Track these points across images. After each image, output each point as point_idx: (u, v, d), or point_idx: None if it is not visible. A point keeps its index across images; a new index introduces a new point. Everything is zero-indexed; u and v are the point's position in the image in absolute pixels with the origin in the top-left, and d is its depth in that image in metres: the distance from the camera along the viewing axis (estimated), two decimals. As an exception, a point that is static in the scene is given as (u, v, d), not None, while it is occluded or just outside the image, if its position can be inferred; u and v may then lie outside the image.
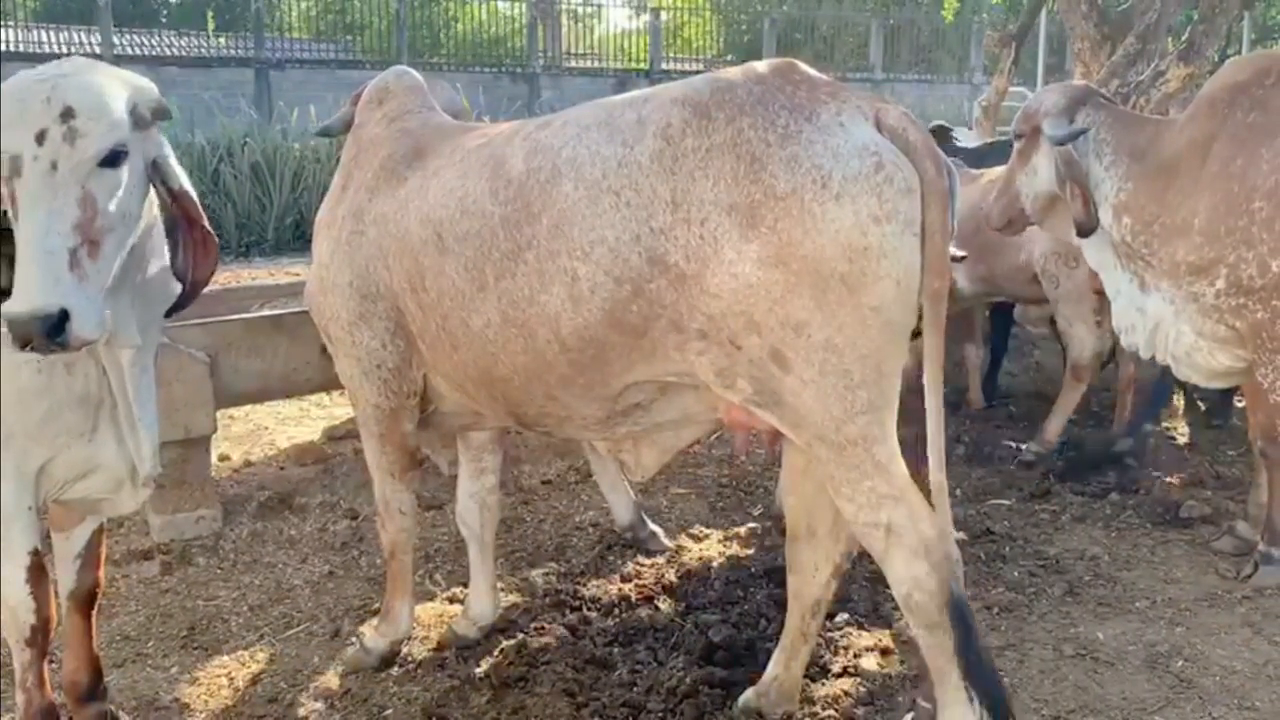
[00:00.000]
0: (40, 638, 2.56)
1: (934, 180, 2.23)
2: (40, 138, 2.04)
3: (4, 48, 19.28)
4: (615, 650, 3.24)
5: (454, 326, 2.59)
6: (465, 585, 3.67)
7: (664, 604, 3.59)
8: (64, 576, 2.72)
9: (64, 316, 1.99)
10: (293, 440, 5.45)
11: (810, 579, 2.72)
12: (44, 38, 21.26)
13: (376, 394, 2.91)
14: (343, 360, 2.96)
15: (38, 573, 2.52)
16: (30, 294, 1.97)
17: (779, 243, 2.16)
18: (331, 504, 4.50)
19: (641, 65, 24.19)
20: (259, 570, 3.94)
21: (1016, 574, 3.81)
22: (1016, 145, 4.11)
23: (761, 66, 2.40)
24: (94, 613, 2.80)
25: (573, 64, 24.62)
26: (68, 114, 2.06)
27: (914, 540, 2.26)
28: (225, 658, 3.28)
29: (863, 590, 3.57)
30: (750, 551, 4.03)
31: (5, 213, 2.12)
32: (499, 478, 3.31)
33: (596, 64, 25.13)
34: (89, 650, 2.80)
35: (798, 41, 25.17)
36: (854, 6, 27.04)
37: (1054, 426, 5.00)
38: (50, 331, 1.97)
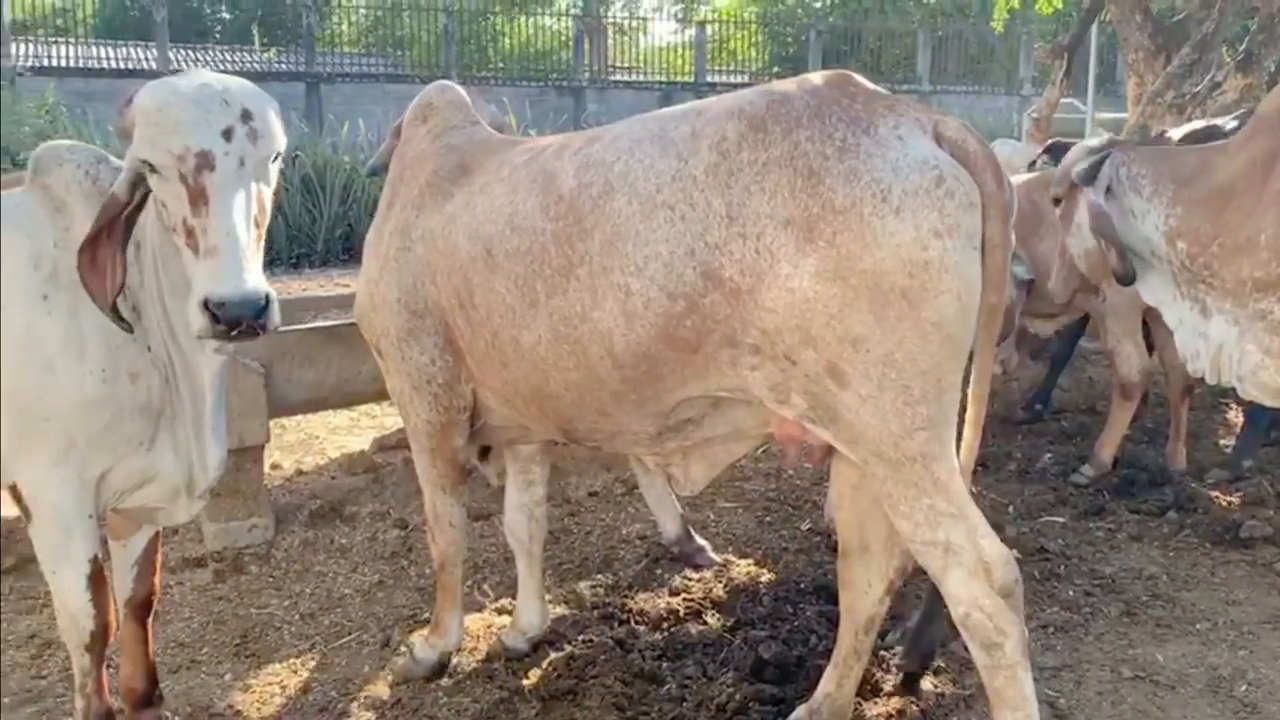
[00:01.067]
0: (99, 644, 2.60)
1: (995, 194, 2.20)
2: (228, 135, 2.11)
3: (65, 63, 19.76)
4: (664, 664, 3.22)
5: (504, 343, 2.59)
6: (513, 596, 3.67)
7: (712, 619, 3.57)
8: (121, 584, 2.76)
9: (267, 302, 2.05)
10: (343, 450, 5.50)
11: (863, 595, 2.69)
12: (103, 53, 21.76)
13: (427, 409, 2.92)
14: (393, 375, 2.98)
15: (97, 580, 2.56)
16: (239, 279, 2.02)
17: (837, 257, 2.14)
18: (381, 513, 4.53)
19: (686, 78, 24.25)
20: (310, 579, 3.98)
21: (1071, 593, 3.74)
22: (1059, 211, 4.13)
23: (817, 78, 2.38)
24: (150, 620, 2.84)
25: (617, 77, 24.74)
26: (246, 115, 2.14)
27: (972, 559, 2.22)
28: (277, 665, 3.31)
29: (915, 608, 3.52)
30: (799, 567, 3.99)
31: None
32: (546, 489, 3.31)
33: (641, 77, 25.22)
34: (145, 657, 2.84)
35: (844, 53, 25.09)
36: (901, 18, 26.91)
37: (1107, 447, 4.91)
38: (258, 315, 2.03)
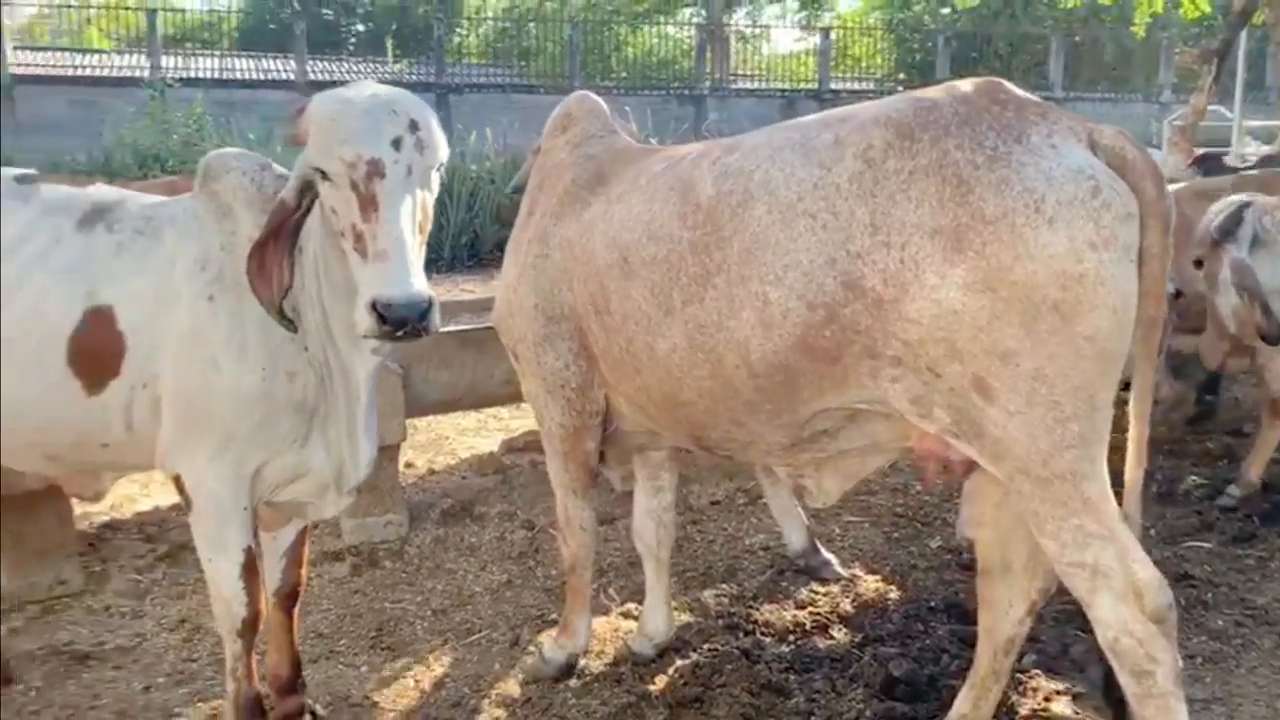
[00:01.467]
0: (250, 631, 2.71)
1: (1154, 202, 2.13)
2: (397, 144, 2.20)
3: (208, 74, 20.74)
4: (791, 677, 3.20)
5: (638, 350, 2.61)
6: (638, 601, 3.70)
7: (840, 633, 3.52)
8: (270, 574, 2.87)
9: (430, 304, 2.12)
10: (472, 450, 5.62)
11: (1003, 616, 2.61)
12: (241, 65, 22.76)
13: (561, 413, 2.96)
14: (529, 380, 3.03)
15: (250, 569, 2.67)
16: (407, 282, 2.10)
17: (987, 268, 2.09)
18: (509, 514, 4.61)
19: (809, 85, 24.05)
20: (441, 575, 4.07)
21: (1220, 623, 3.57)
22: (1203, 274, 3.98)
23: (966, 85, 2.33)
24: (296, 610, 2.95)
25: (739, 85, 24.69)
26: (413, 126, 2.23)
27: (1122, 583, 2.14)
28: (411, 659, 3.40)
29: (1052, 630, 3.42)
30: (928, 584, 3.91)
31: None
32: (675, 496, 3.32)
33: (763, 84, 25.12)
34: (291, 645, 2.95)
35: (972, 59, 24.53)
36: (1033, 22, 26.17)
37: (1255, 466, 4.67)
38: (422, 317, 2.11)
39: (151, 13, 20.28)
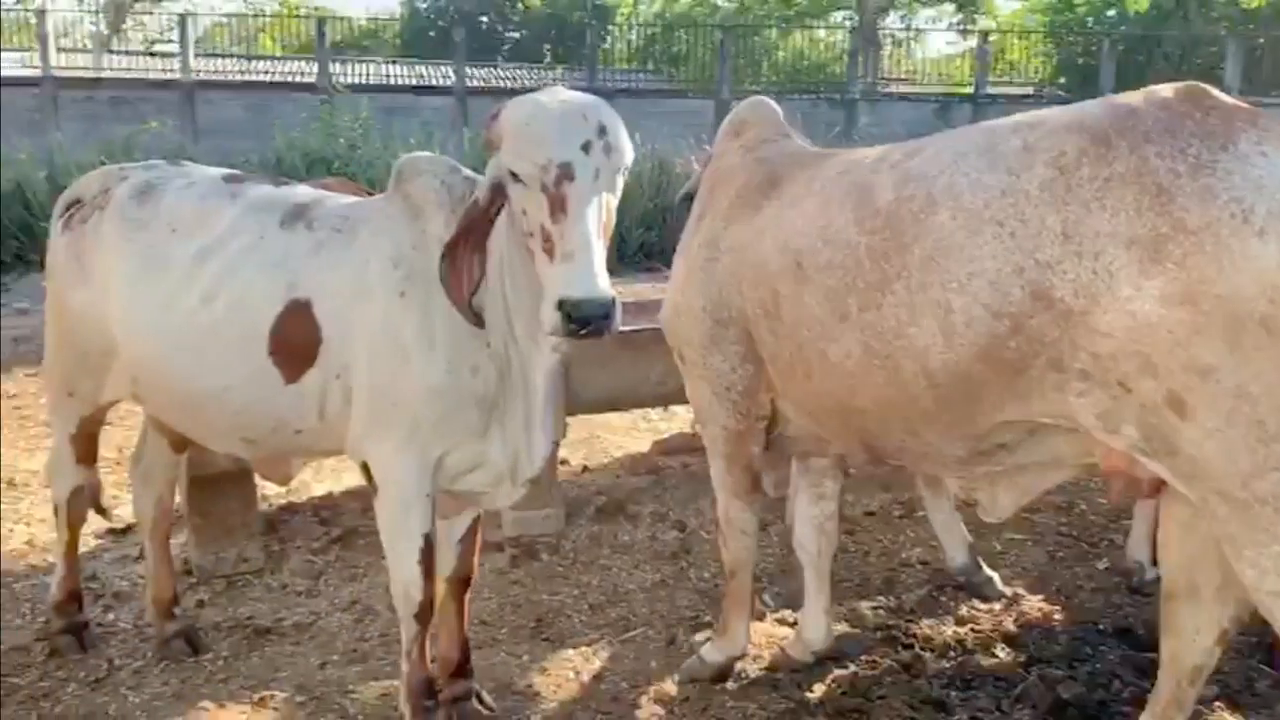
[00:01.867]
0: (426, 614, 2.82)
1: None
2: (586, 148, 2.25)
3: (370, 80, 21.58)
4: (953, 694, 3.14)
5: (810, 355, 2.60)
6: (792, 607, 3.69)
7: (1003, 653, 3.43)
8: (444, 560, 2.97)
9: (613, 304, 2.19)
10: (624, 449, 5.70)
11: (1189, 643, 2.50)
12: (400, 71, 23.61)
13: (726, 416, 2.98)
14: (695, 382, 3.06)
15: (428, 555, 2.78)
16: (593, 282, 2.16)
17: (1187, 280, 2.01)
18: (662, 514, 4.65)
19: (964, 89, 23.45)
20: (596, 571, 4.15)
21: None
22: None
23: (1166, 91, 2.25)
24: (467, 596, 3.06)
25: (891, 89, 24.26)
26: (601, 130, 2.28)
27: (1329, 615, 2.03)
28: (570, 652, 3.47)
29: (1235, 662, 3.25)
30: (1096, 607, 3.78)
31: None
32: (838, 504, 3.30)
33: (915, 88, 24.61)
34: (461, 631, 3.06)
35: (1139, 63, 23.46)
36: (1207, 23, 24.87)
37: None
38: (606, 316, 2.17)
39: (321, 21, 21.25)
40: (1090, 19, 27.16)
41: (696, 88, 21.45)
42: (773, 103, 3.24)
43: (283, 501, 4.58)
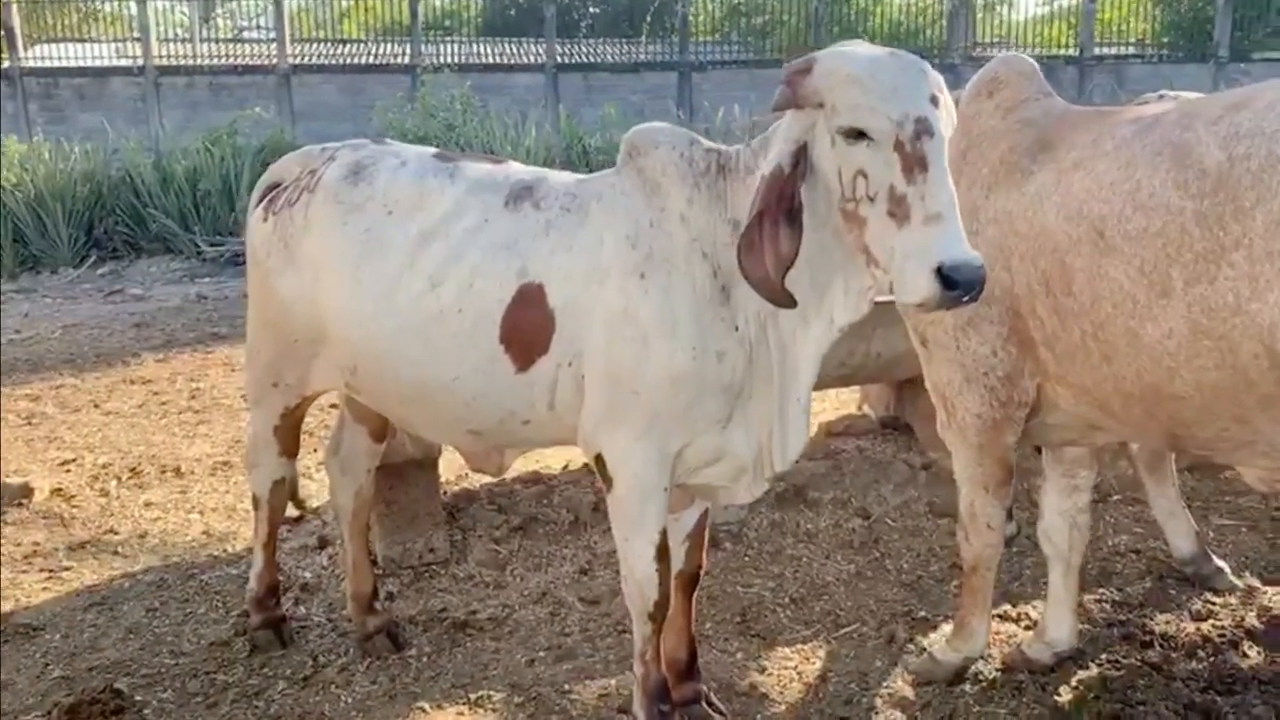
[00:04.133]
0: (661, 613, 2.66)
1: None
2: (934, 102, 2.09)
3: (457, 60, 21.51)
4: (1217, 699, 2.89)
5: (1113, 335, 2.36)
6: (1011, 604, 3.49)
7: (1253, 651, 3.17)
8: (673, 556, 2.81)
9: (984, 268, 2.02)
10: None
11: None
12: (485, 50, 23.48)
13: (979, 403, 2.75)
14: (940, 366, 2.83)
15: (664, 551, 2.62)
16: (966, 244, 2.00)
17: None
18: (843, 501, 4.44)
19: (1069, 50, 22.65)
20: (785, 562, 3.96)
21: None
22: None
23: None
24: (695, 594, 2.89)
25: (988, 54, 23.49)
26: (939, 87, 2.11)
27: None
28: (786, 650, 3.30)
29: None
30: (1340, 600, 3.49)
31: None
32: (1091, 496, 3.06)
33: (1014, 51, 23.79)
34: (688, 630, 2.89)
35: (1252, 19, 22.35)
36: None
37: None
38: (984, 281, 2.01)
39: (415, 1, 21.21)
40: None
41: (788, 56, 21.00)
42: (1030, 59, 2.98)
43: (457, 489, 4.48)
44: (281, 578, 3.85)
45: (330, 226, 2.79)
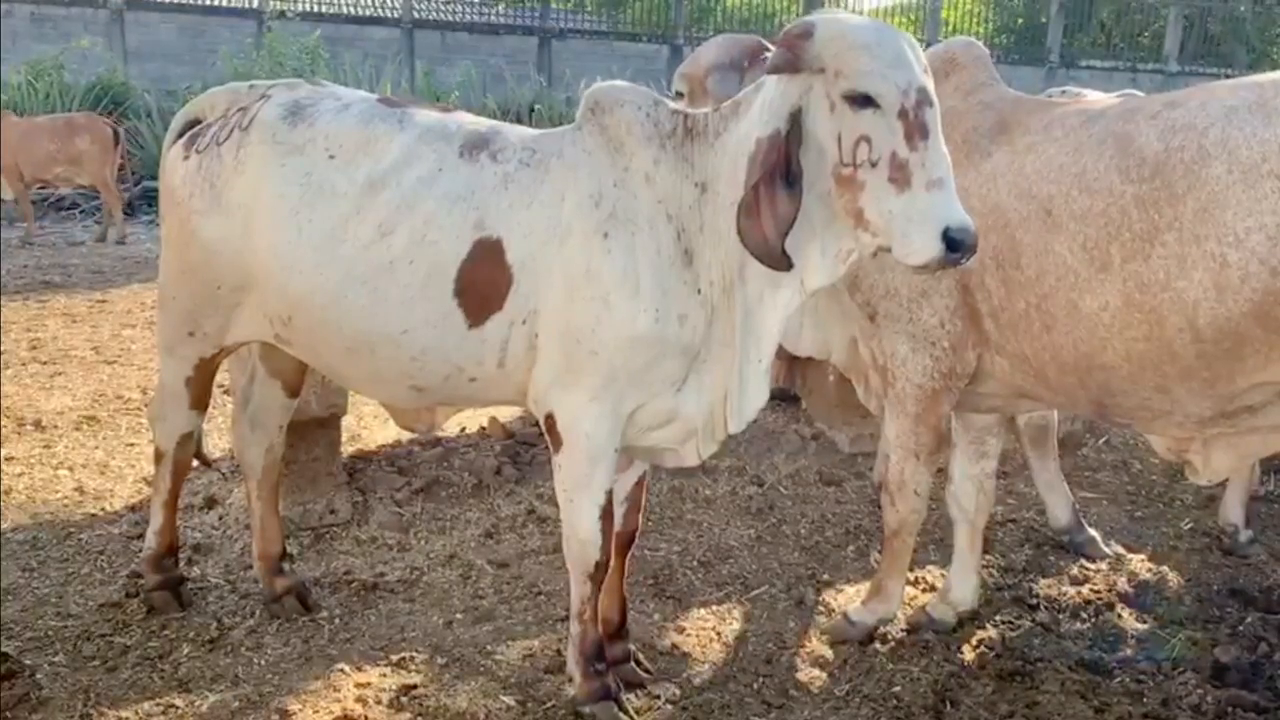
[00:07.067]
0: (601, 573, 2.67)
1: None
2: (927, 72, 2.16)
3: (302, 6, 20.57)
4: (1104, 655, 3.12)
5: (1054, 306, 2.50)
6: (911, 568, 3.64)
7: (1127, 613, 3.43)
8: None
9: None
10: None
11: None
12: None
13: (921, 373, 2.86)
14: (889, 337, 2.90)
15: (608, 513, 2.62)
16: (962, 208, 2.08)
17: None
18: (738, 469, 4.53)
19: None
20: (687, 526, 4.03)
21: None
22: None
23: None
24: (629, 555, 2.91)
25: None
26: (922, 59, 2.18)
27: None
28: (701, 610, 3.36)
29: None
30: (1194, 567, 3.80)
31: None
32: (998, 463, 3.23)
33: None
34: (620, 591, 2.92)
35: (1075, 28, 23.77)
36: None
37: None
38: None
39: (263, -57, 20.16)
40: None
41: (648, 31, 21.05)
42: (982, 46, 3.09)
43: (352, 450, 4.34)
44: (169, 538, 3.67)
45: (266, 168, 2.65)
